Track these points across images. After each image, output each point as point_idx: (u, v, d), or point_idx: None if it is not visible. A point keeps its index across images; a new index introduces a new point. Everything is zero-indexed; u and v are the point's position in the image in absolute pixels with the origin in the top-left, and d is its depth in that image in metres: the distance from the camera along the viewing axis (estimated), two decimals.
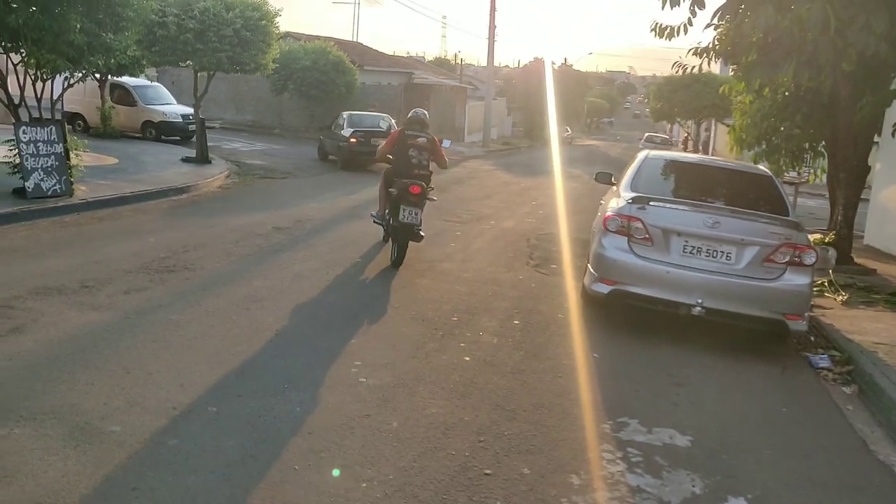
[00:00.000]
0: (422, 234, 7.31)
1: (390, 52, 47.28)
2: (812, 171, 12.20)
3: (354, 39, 45.15)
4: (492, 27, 32.60)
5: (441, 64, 67.25)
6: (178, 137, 18.36)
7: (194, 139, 14.97)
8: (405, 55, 67.96)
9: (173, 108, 19.12)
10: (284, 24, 20.53)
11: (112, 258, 6.65)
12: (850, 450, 4.10)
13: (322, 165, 17.36)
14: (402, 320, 5.58)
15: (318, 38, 28.86)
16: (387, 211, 7.66)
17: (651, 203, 5.74)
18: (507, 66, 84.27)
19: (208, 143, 14.57)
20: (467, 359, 4.86)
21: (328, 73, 25.17)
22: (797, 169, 11.26)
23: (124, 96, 18.59)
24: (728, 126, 12.88)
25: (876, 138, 10.17)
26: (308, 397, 4.01)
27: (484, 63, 38.07)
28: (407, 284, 6.70)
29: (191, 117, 16.95)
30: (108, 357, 4.33)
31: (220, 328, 5.00)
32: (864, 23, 7.26)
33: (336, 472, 3.25)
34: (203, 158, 14.14)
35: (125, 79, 17.51)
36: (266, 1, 14.62)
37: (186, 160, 14.14)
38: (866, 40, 7.28)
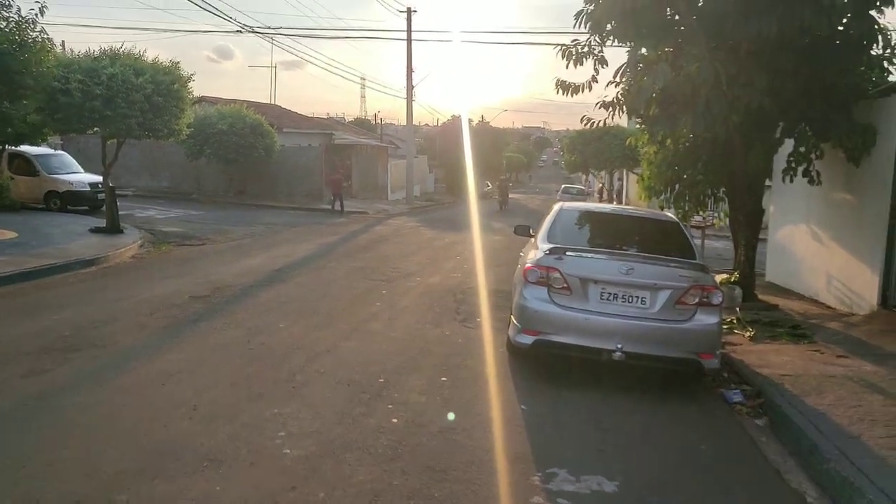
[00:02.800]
0: None
1: (310, 114, 47.53)
2: (716, 214, 13.01)
3: (272, 102, 45.22)
4: (409, 88, 33.47)
5: (361, 124, 68.22)
6: (86, 207, 17.68)
7: (104, 208, 14.44)
8: (325, 116, 68.54)
9: (80, 177, 18.45)
10: (199, 88, 20.46)
11: (8, 339, 6.25)
12: (766, 481, 4.28)
13: (242, 229, 17.07)
14: (328, 385, 5.48)
15: (234, 101, 28.72)
16: None
17: (568, 253, 5.95)
18: (426, 124, 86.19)
19: (120, 212, 14.09)
20: (395, 421, 4.80)
21: (246, 137, 25.04)
22: (702, 213, 11.96)
23: (24, 166, 17.79)
24: (637, 175, 13.59)
25: (768, 182, 10.98)
26: (230, 475, 3.85)
27: (404, 122, 38.83)
28: (332, 348, 6.60)
29: (100, 185, 16.40)
30: None
31: (133, 407, 4.76)
32: (747, 79, 7.96)
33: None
34: (114, 228, 13.63)
35: (25, 148, 16.79)
36: (178, 66, 14.53)
37: (96, 230, 13.60)
38: (751, 95, 7.97)
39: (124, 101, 13.32)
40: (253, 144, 25.27)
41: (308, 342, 6.74)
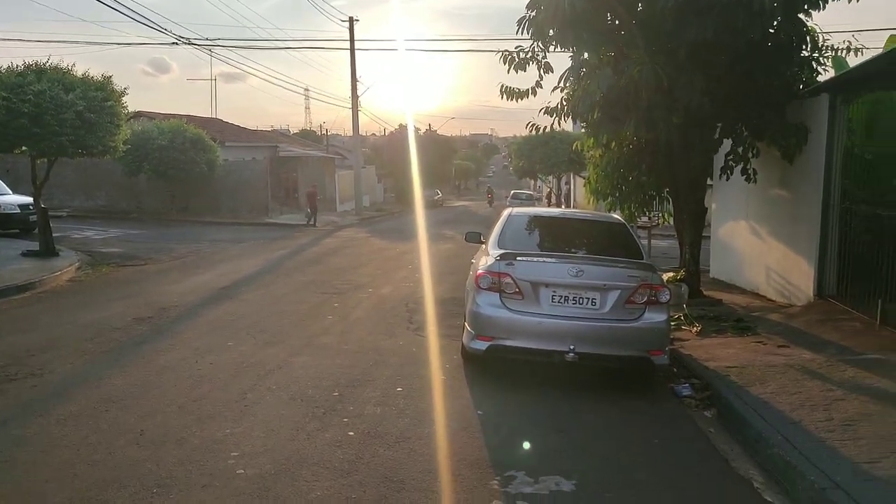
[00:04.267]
0: None
1: (253, 127, 46.85)
2: (661, 214, 13.39)
3: (213, 116, 44.43)
4: (354, 98, 33.39)
5: (307, 136, 67.57)
6: (17, 230, 16.98)
7: (37, 231, 13.91)
8: (269, 129, 67.64)
9: (8, 199, 17.73)
10: (135, 103, 19.99)
11: None
12: (716, 471, 4.45)
13: (186, 247, 16.69)
14: (281, 402, 5.42)
15: (173, 116, 28.14)
16: None
17: (518, 258, 6.05)
18: (374, 134, 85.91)
19: (54, 234, 13.60)
20: (351, 434, 4.78)
21: (187, 152, 24.54)
22: (647, 214, 12.30)
23: None
24: (584, 179, 13.86)
25: (710, 181, 11.38)
26: (181, 499, 3.77)
27: (351, 132, 38.69)
28: (284, 364, 6.52)
29: (31, 207, 15.79)
30: None
31: (75, 437, 4.60)
32: (686, 81, 8.27)
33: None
34: (48, 251, 13.14)
35: None
36: (110, 80, 14.12)
37: (28, 254, 13.09)
38: (689, 96, 8.28)
39: (54, 119, 12.84)
40: (194, 159, 24.78)
41: (258, 359, 6.65)
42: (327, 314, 8.97)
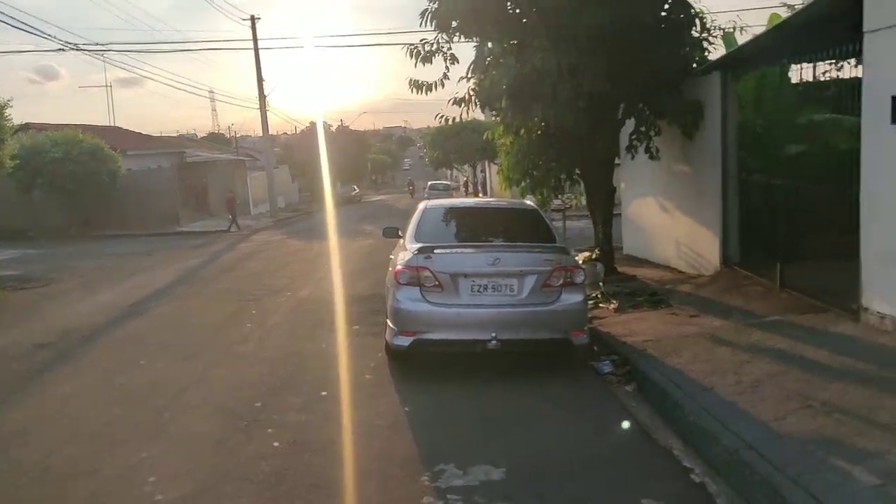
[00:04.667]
0: None
1: (157, 133, 44.90)
2: (574, 196, 13.70)
3: (111, 124, 42.22)
4: (262, 97, 32.48)
5: (216, 139, 65.38)
6: None
7: None
8: (175, 134, 64.98)
9: None
10: (21, 114, 18.69)
11: None
12: (638, 442, 4.60)
13: (90, 263, 15.79)
14: (200, 418, 5.20)
15: (66, 126, 26.50)
16: None
17: (436, 251, 6.04)
18: (285, 133, 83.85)
19: None
20: (276, 444, 4.65)
21: (85, 164, 23.24)
22: (560, 197, 12.55)
23: None
24: (498, 166, 14.03)
25: (617, 161, 11.73)
26: None
27: (260, 133, 37.60)
28: (201, 378, 6.27)
29: None
30: None
31: None
32: (587, 67, 8.47)
33: None
34: None
35: None
36: None
37: None
38: (592, 81, 8.48)
39: None
40: (94, 171, 23.51)
41: (174, 376, 6.36)
42: (245, 322, 8.71)
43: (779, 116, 9.53)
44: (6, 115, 13.42)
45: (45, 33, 37.26)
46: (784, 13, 11.20)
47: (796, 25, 7.17)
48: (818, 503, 3.21)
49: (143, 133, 38.74)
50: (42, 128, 27.56)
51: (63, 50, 23.94)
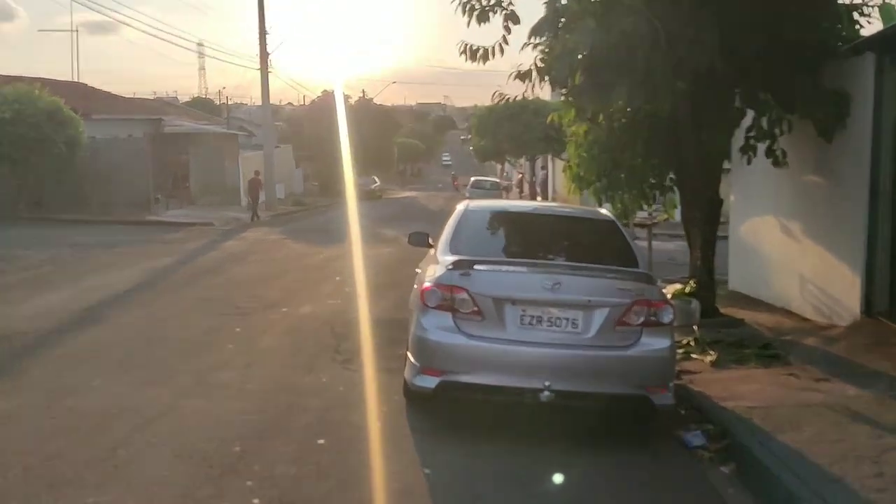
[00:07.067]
0: None
1: (130, 94, 46.10)
2: (665, 208, 13.58)
3: (75, 79, 43.48)
4: (263, 54, 33.13)
5: (202, 105, 66.89)
6: None
7: None
8: (152, 96, 66.72)
9: None
10: None
11: None
12: None
13: (40, 253, 16.25)
14: (164, 460, 5.31)
15: (20, 79, 27.40)
16: None
17: (476, 267, 6.05)
18: (290, 103, 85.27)
19: None
20: (256, 502, 4.72)
21: (40, 128, 23.95)
22: (646, 208, 12.49)
23: None
24: (565, 162, 13.98)
25: (727, 164, 11.60)
26: None
27: (259, 102, 38.29)
28: (169, 409, 6.41)
29: None
30: None
31: None
32: (694, 36, 8.42)
33: None
34: None
35: None
36: None
37: None
38: (699, 55, 8.43)
39: None
40: (50, 137, 24.18)
41: (135, 403, 6.51)
42: (227, 342, 8.86)
43: None
44: None
45: None
46: None
47: None
48: None
49: (113, 93, 39.89)
50: None
51: None
